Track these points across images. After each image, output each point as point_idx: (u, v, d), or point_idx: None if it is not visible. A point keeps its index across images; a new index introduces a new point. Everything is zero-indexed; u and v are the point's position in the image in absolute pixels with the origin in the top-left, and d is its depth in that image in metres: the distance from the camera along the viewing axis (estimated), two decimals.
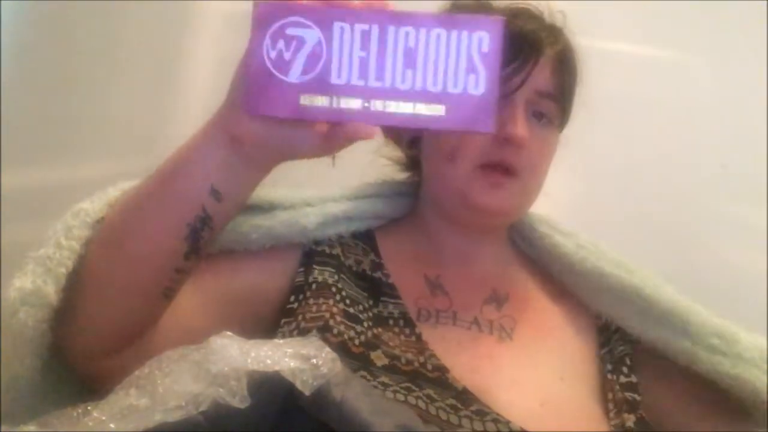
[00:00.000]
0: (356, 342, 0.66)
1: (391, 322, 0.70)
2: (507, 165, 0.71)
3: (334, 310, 0.68)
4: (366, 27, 0.51)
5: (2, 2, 1.41)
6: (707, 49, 1.49)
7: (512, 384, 0.66)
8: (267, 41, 0.52)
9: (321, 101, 0.52)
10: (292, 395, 0.41)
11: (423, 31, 0.51)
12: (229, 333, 0.42)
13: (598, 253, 0.77)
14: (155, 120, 1.49)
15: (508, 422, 0.60)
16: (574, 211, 1.43)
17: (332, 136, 0.54)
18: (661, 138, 1.47)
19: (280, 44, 0.52)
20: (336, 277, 0.72)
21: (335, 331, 0.66)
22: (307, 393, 0.40)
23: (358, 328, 0.67)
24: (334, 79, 0.51)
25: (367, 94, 0.51)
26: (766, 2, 1.41)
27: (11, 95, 1.42)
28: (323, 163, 1.44)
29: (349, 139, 0.54)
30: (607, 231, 1.44)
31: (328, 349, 0.43)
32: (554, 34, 0.77)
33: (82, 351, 0.63)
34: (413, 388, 0.62)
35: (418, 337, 0.68)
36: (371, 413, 0.40)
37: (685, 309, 0.70)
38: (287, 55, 0.52)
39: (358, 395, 0.42)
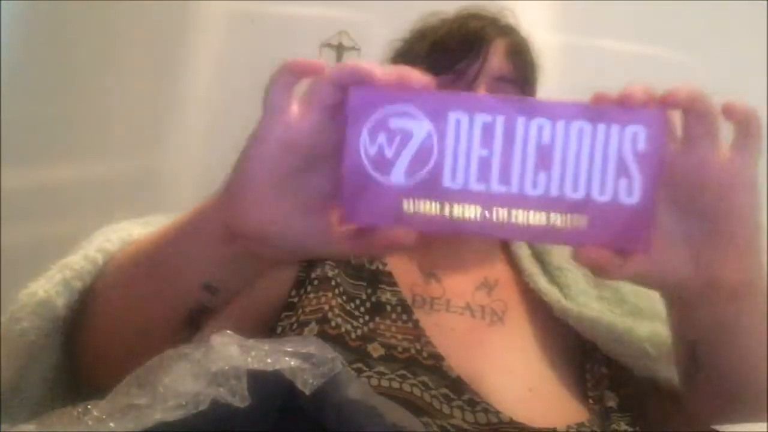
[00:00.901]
0: (353, 336, 0.67)
1: (389, 308, 0.72)
2: None
3: (333, 303, 0.70)
4: (489, 119, 0.41)
5: (2, 2, 1.41)
6: (707, 49, 1.49)
7: (502, 370, 0.68)
8: (365, 135, 0.41)
9: (429, 208, 0.42)
10: (293, 395, 0.41)
11: (561, 124, 0.41)
12: (229, 332, 0.42)
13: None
14: (155, 120, 1.49)
15: (497, 412, 0.61)
16: None
17: (360, 242, 0.44)
18: None
19: (381, 138, 0.41)
20: (336, 270, 0.73)
21: (333, 323, 0.67)
22: (307, 392, 0.40)
23: (355, 323, 0.69)
24: (446, 182, 0.41)
25: (488, 200, 0.41)
26: (766, 2, 1.41)
27: (11, 95, 1.42)
28: None
29: (382, 250, 0.48)
30: None
31: (328, 348, 0.43)
32: (503, 27, 0.82)
33: (92, 369, 0.61)
34: (408, 375, 0.63)
35: (415, 323, 0.70)
36: (370, 416, 0.40)
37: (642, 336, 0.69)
38: (389, 152, 0.42)
39: (356, 397, 0.42)
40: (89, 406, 0.40)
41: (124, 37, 1.48)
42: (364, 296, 0.73)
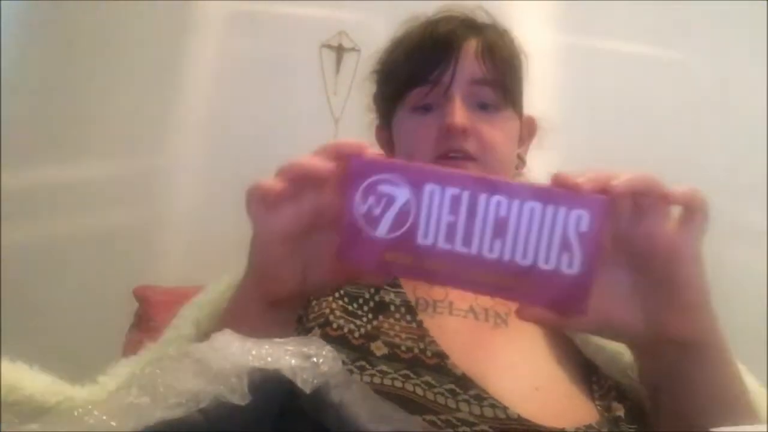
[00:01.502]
0: (356, 335, 0.67)
1: (392, 308, 0.72)
2: (463, 152, 0.73)
3: (334, 306, 0.70)
4: (457, 192, 0.49)
5: (2, 2, 1.41)
6: (707, 49, 1.49)
7: (508, 370, 0.68)
8: (358, 196, 0.51)
9: (405, 260, 0.51)
10: (293, 394, 0.41)
11: (516, 203, 0.49)
12: (229, 331, 0.42)
13: None
14: (155, 120, 1.49)
15: (505, 408, 0.61)
16: None
17: (345, 271, 0.55)
18: (660, 138, 1.47)
19: (371, 200, 0.51)
20: None
21: (335, 325, 0.68)
22: (307, 391, 0.40)
23: (358, 323, 0.69)
24: (420, 240, 0.50)
25: (452, 258, 0.50)
26: (766, 2, 1.41)
27: (11, 95, 1.42)
28: None
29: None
30: None
31: (328, 347, 0.43)
32: (472, 28, 0.80)
33: None
34: (411, 375, 0.63)
35: (419, 324, 0.70)
36: (369, 418, 0.40)
37: None
38: (376, 211, 0.51)
39: (357, 399, 0.42)
40: (90, 406, 0.40)
41: (124, 37, 1.49)
42: (367, 296, 0.73)
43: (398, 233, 0.51)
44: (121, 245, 1.46)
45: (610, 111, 1.51)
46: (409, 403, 0.61)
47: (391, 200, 0.50)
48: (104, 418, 0.39)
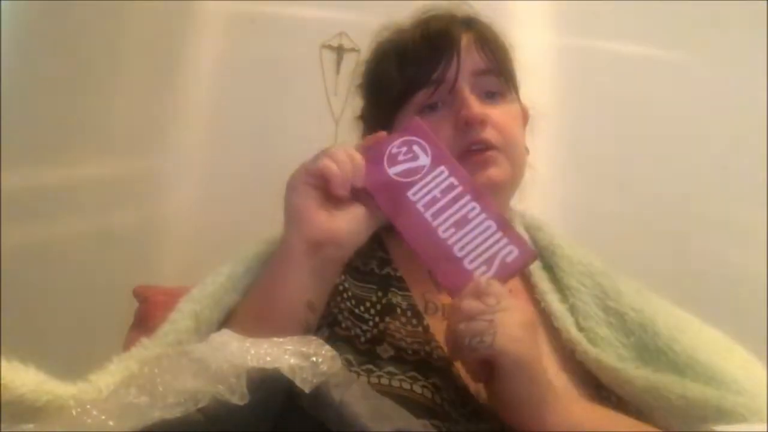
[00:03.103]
0: (362, 339, 0.67)
1: (399, 311, 0.71)
2: (484, 142, 0.73)
3: (342, 306, 0.70)
4: (456, 183, 0.66)
5: (2, 2, 1.41)
6: (707, 49, 1.49)
7: None
8: (401, 140, 0.68)
9: (390, 197, 0.66)
10: (293, 393, 0.41)
11: (483, 215, 0.64)
12: (228, 330, 0.42)
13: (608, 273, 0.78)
14: (155, 120, 1.49)
15: (502, 423, 0.60)
16: (574, 211, 1.44)
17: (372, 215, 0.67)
18: (660, 138, 1.47)
19: (404, 148, 0.68)
20: (342, 277, 0.73)
21: (343, 325, 0.68)
22: (306, 390, 0.40)
23: (364, 327, 0.69)
24: (409, 194, 0.66)
25: (417, 219, 0.65)
26: (766, 2, 1.41)
27: (11, 95, 1.42)
28: None
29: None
30: (606, 231, 1.44)
31: (327, 347, 0.43)
32: (465, 22, 0.80)
33: None
34: (419, 377, 0.63)
35: (426, 328, 0.70)
36: (370, 417, 0.40)
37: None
38: (400, 157, 0.67)
39: (357, 398, 0.42)
40: (88, 406, 0.40)
41: (124, 38, 1.49)
42: (374, 298, 0.73)
43: (402, 179, 0.67)
44: (121, 245, 1.46)
45: (609, 111, 1.50)
46: (417, 407, 0.60)
47: (414, 157, 0.67)
48: (103, 417, 0.39)
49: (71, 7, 1.46)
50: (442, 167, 0.66)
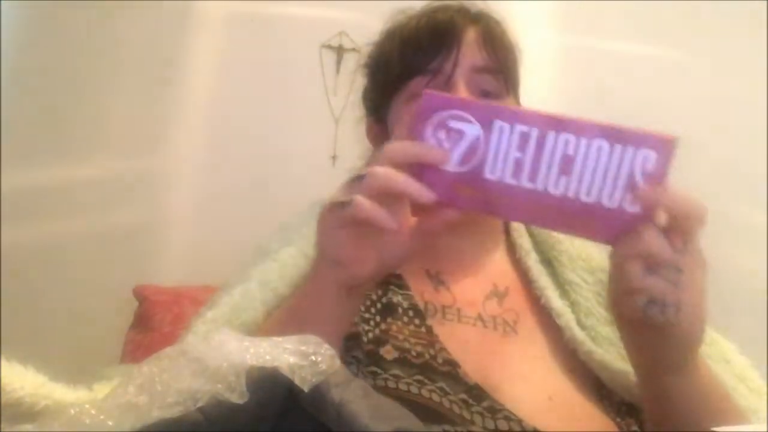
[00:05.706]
0: (365, 339, 0.66)
1: (400, 311, 0.70)
2: None
3: None
4: (526, 129, 0.51)
5: (2, 2, 1.41)
6: (707, 49, 1.49)
7: (520, 379, 0.66)
8: (429, 129, 0.53)
9: (472, 193, 0.52)
10: (292, 392, 0.41)
11: (584, 141, 0.49)
12: (227, 329, 0.42)
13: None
14: (155, 120, 1.49)
15: (520, 420, 0.60)
16: None
17: (419, 231, 0.55)
18: None
19: (441, 134, 0.52)
20: None
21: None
22: (306, 389, 0.39)
23: (366, 327, 0.68)
24: (487, 174, 0.52)
25: (517, 193, 0.51)
26: (766, 2, 1.41)
27: (11, 95, 1.42)
28: (323, 164, 1.44)
29: (435, 226, 0.55)
30: None
31: (327, 345, 0.43)
32: (472, 16, 0.78)
33: None
34: (426, 381, 0.62)
35: (429, 329, 0.68)
36: (370, 417, 0.40)
37: None
38: (446, 145, 0.52)
39: (357, 397, 0.41)
40: (87, 406, 0.40)
41: (124, 38, 1.49)
42: (374, 297, 0.71)
43: (466, 167, 0.52)
44: (121, 245, 1.46)
45: (609, 111, 1.50)
46: (426, 411, 0.60)
47: (460, 135, 0.52)
48: (101, 417, 0.39)
49: (71, 7, 1.45)
50: (498, 121, 0.51)
